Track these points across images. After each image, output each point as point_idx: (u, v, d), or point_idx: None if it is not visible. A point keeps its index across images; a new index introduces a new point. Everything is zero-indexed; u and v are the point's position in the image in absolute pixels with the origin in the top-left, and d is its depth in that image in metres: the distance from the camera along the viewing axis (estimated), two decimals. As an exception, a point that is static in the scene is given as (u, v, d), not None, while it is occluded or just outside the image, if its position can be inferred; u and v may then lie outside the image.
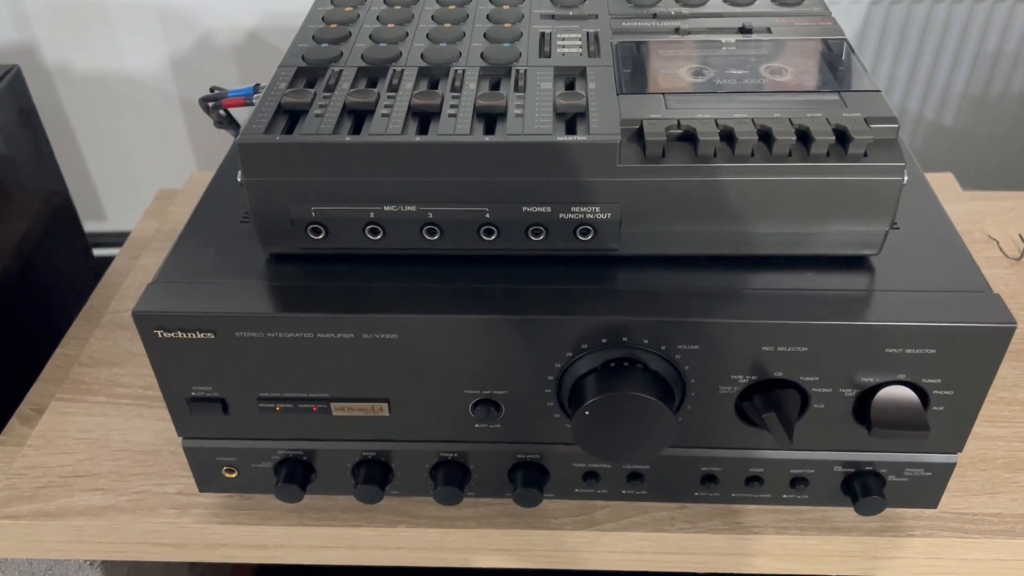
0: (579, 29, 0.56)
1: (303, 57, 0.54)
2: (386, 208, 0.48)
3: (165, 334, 0.48)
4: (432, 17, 0.58)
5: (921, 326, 0.45)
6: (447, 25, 0.57)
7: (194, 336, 0.48)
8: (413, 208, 0.48)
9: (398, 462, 0.54)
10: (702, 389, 0.49)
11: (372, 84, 0.52)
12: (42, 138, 0.88)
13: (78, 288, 0.95)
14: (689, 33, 0.56)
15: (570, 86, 0.52)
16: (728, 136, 0.46)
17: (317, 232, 0.49)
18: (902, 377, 0.48)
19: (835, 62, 0.53)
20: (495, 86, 0.52)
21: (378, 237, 0.49)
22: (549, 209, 0.48)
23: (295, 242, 0.49)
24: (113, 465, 0.61)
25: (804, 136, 0.46)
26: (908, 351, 0.46)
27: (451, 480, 0.54)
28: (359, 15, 0.59)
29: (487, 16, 0.58)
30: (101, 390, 0.67)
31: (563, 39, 0.55)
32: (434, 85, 0.52)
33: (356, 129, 0.47)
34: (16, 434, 0.66)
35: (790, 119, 0.46)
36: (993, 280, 0.74)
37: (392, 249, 0.50)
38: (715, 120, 0.47)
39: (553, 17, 0.58)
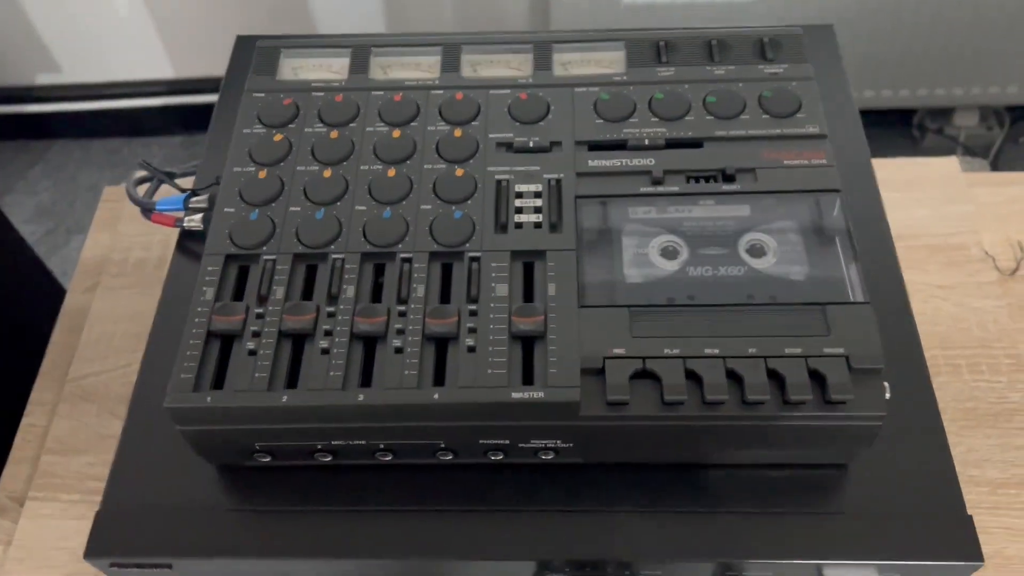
0: (539, 174, 0.50)
1: (231, 236, 0.48)
2: (334, 442, 0.45)
3: (122, 569, 0.47)
4: (374, 151, 0.51)
5: (888, 564, 0.45)
6: (391, 172, 0.50)
7: (151, 570, 0.47)
8: (363, 442, 0.45)
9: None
10: (667, 590, 0.49)
11: (311, 278, 0.47)
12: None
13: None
14: (661, 183, 0.49)
15: (528, 270, 0.47)
16: (697, 377, 0.42)
17: (264, 456, 0.47)
18: (866, 582, 0.48)
19: (824, 234, 0.47)
20: (447, 272, 0.47)
21: (328, 459, 0.47)
22: (508, 441, 0.45)
23: (242, 461, 0.47)
24: (97, 580, 0.62)
25: (778, 380, 0.42)
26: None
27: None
28: (291, 144, 0.52)
29: (436, 149, 0.51)
30: (74, 485, 0.66)
31: (521, 193, 0.49)
32: (380, 270, 0.47)
33: (294, 370, 0.44)
34: (-3, 529, 0.66)
35: (765, 360, 0.42)
36: (982, 317, 0.72)
37: (345, 463, 0.47)
38: (683, 361, 0.43)
39: (511, 147, 0.51)
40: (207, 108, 1.95)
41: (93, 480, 0.67)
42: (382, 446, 0.45)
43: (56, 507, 0.66)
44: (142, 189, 0.62)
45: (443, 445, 0.45)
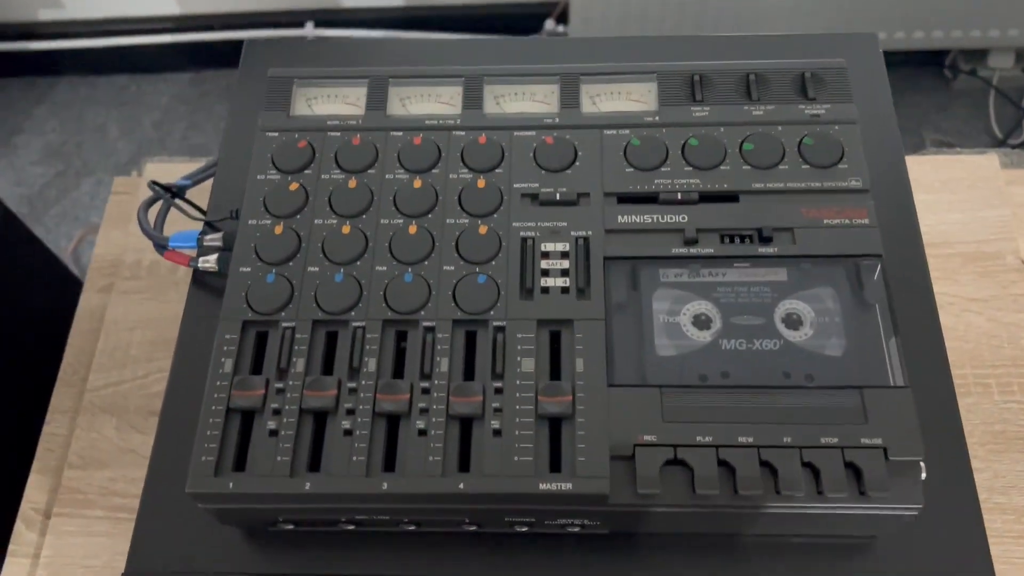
0: (566, 230, 0.48)
1: (248, 300, 0.46)
2: (358, 517, 0.45)
3: (149, 631, 0.48)
4: (394, 203, 0.49)
5: (914, 642, 0.45)
6: (412, 229, 0.48)
7: (178, 633, 0.48)
8: (387, 517, 0.45)
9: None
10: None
11: (331, 346, 0.45)
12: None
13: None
14: (694, 243, 0.47)
15: (555, 339, 0.45)
16: (730, 467, 0.41)
17: (287, 524, 0.46)
18: (890, 650, 0.47)
19: (864, 303, 0.45)
20: (471, 340, 0.45)
21: (352, 528, 0.46)
22: (533, 519, 0.44)
23: (265, 528, 0.47)
24: (124, 601, 0.63)
25: (813, 469, 0.41)
26: (899, 647, 0.46)
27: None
28: (307, 193, 0.50)
29: (459, 201, 0.49)
30: (97, 501, 0.67)
31: (547, 253, 0.47)
32: (402, 335, 0.46)
33: (316, 449, 0.43)
34: (24, 542, 0.67)
35: (800, 451, 0.41)
36: (1015, 332, 0.70)
37: (370, 530, 0.47)
38: (716, 451, 0.41)
39: (536, 198, 0.49)
40: (215, 45, 1.88)
41: (116, 496, 0.67)
42: (406, 519, 0.45)
43: (81, 523, 0.66)
44: (153, 212, 0.60)
45: (467, 520, 0.45)
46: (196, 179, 0.63)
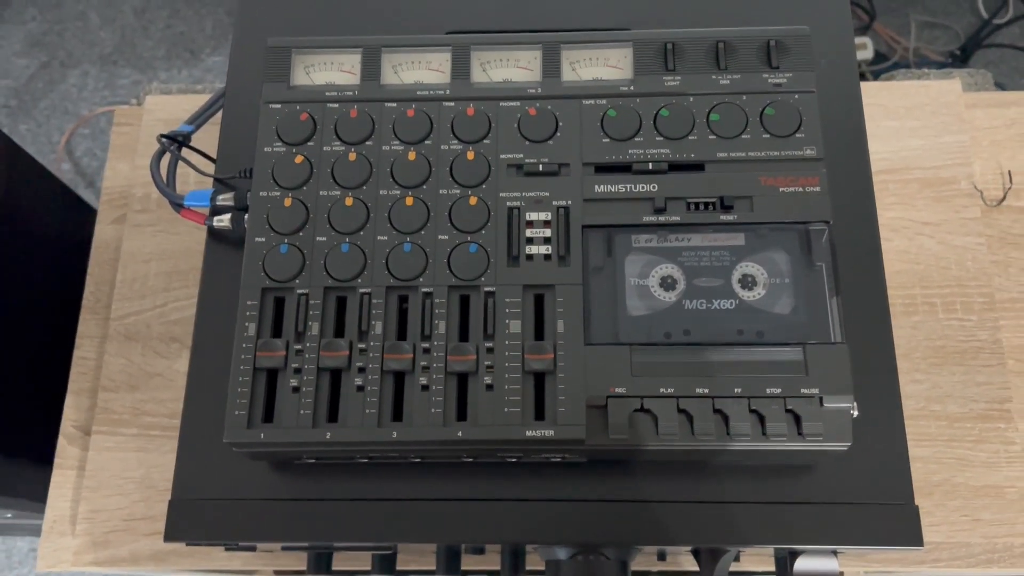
0: (548, 200, 0.53)
1: (265, 269, 0.52)
2: (371, 454, 0.52)
3: (195, 546, 0.56)
4: (392, 174, 0.54)
5: (841, 548, 0.53)
6: (409, 200, 0.53)
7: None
8: (396, 454, 0.52)
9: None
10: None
11: (341, 310, 0.52)
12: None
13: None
14: (663, 211, 0.52)
15: (539, 301, 0.51)
16: (688, 415, 0.49)
17: (309, 459, 0.54)
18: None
19: (811, 264, 0.51)
20: (465, 304, 0.52)
21: (366, 461, 0.54)
22: (522, 453, 0.52)
23: (290, 461, 0.54)
24: (164, 507, 0.71)
25: (759, 415, 0.48)
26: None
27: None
28: (312, 165, 0.54)
29: (451, 172, 0.54)
30: (131, 420, 0.74)
31: (531, 222, 0.52)
32: (403, 299, 0.52)
33: (334, 402, 0.50)
34: (68, 456, 0.75)
35: (749, 400, 0.48)
36: (962, 255, 0.76)
37: (380, 462, 0.54)
38: (676, 400, 0.48)
39: (521, 168, 0.54)
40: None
41: (147, 416, 0.75)
42: (412, 455, 0.52)
43: (118, 440, 0.74)
44: (164, 163, 0.64)
45: (465, 456, 0.52)
46: (199, 123, 0.68)
